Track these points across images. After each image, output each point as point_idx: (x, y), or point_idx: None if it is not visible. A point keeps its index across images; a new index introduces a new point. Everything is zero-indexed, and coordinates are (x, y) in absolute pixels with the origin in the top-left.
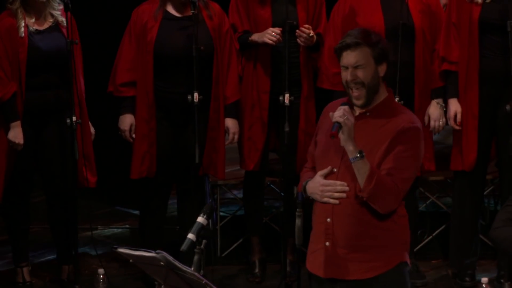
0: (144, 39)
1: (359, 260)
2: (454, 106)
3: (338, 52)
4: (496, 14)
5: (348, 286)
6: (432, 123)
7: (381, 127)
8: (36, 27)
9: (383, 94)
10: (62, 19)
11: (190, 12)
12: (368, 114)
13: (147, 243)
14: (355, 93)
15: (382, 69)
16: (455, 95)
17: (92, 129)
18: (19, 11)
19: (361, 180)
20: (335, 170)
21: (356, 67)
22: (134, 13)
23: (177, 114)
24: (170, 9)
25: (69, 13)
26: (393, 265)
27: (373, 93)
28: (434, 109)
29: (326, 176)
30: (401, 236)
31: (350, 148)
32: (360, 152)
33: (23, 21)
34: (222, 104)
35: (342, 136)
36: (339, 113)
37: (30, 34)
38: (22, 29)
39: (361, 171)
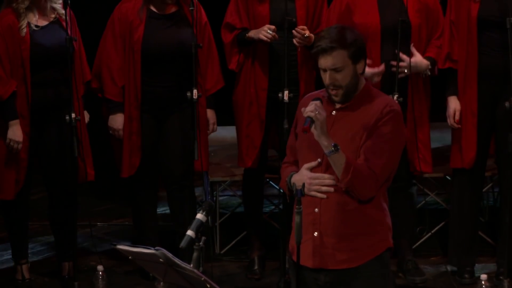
0: (130, 38)
1: (347, 249)
2: (454, 104)
3: (315, 56)
4: (494, 11)
5: (334, 274)
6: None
7: (361, 114)
8: (37, 23)
9: (361, 85)
10: (63, 12)
11: (173, 10)
12: (347, 106)
13: (143, 237)
14: (333, 91)
15: (361, 67)
16: (455, 93)
17: (87, 116)
18: (23, 9)
19: (338, 172)
20: (319, 160)
21: (334, 70)
22: (117, 11)
23: (162, 107)
24: (153, 8)
25: (68, 9)
26: (380, 251)
27: (352, 92)
28: (420, 58)
29: (312, 169)
30: (385, 221)
31: (324, 143)
32: (335, 146)
33: (24, 20)
34: (204, 98)
35: (315, 131)
36: (311, 108)
37: (32, 31)
38: (24, 27)
39: (337, 163)
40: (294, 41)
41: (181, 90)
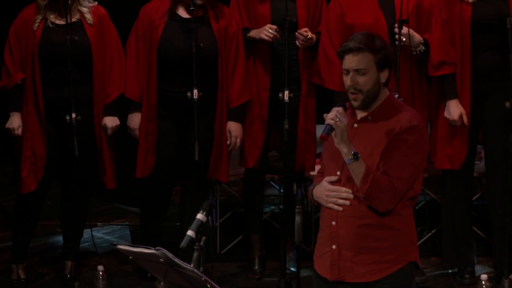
0: (150, 38)
1: (365, 262)
2: (457, 108)
3: (341, 56)
4: (488, 14)
5: (353, 286)
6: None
7: (381, 128)
8: (57, 21)
9: (383, 95)
10: (89, 16)
11: (202, 13)
12: (369, 118)
13: (148, 241)
14: (352, 96)
15: (384, 76)
16: (455, 96)
17: (115, 121)
18: (43, 5)
19: (357, 180)
20: (338, 173)
21: (357, 72)
22: (142, 11)
23: (181, 113)
24: (181, 10)
25: (102, 10)
26: (400, 266)
27: (371, 99)
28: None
29: (333, 182)
30: (407, 236)
31: (344, 150)
32: (355, 154)
33: (41, 15)
34: (225, 108)
35: (335, 138)
36: (331, 115)
37: (46, 27)
38: (38, 23)
39: (356, 172)
40: (297, 43)
41: (202, 97)
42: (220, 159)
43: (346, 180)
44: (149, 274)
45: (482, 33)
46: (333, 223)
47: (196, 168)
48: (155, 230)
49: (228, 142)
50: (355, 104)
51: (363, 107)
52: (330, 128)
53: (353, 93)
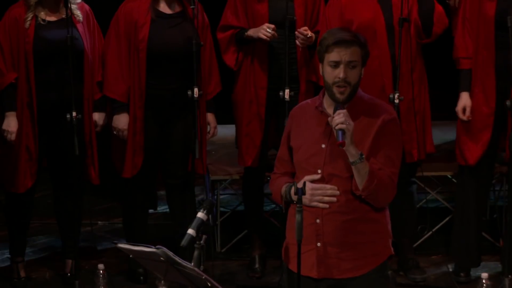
0: (135, 38)
1: (351, 258)
2: (464, 100)
3: (330, 48)
4: (508, 12)
5: (335, 282)
6: None
7: (361, 123)
8: (47, 18)
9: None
10: (78, 13)
11: (180, 8)
12: None
13: (133, 238)
14: (340, 89)
15: (363, 71)
16: (468, 89)
17: (102, 118)
18: (33, 2)
19: (361, 180)
20: (319, 171)
21: (348, 64)
22: (122, 10)
23: (166, 110)
24: (162, 6)
25: (85, 7)
26: (384, 259)
27: (353, 94)
28: None
29: (315, 181)
30: (386, 229)
31: (352, 152)
32: (361, 155)
33: (32, 12)
34: (204, 100)
35: (345, 140)
36: (341, 119)
37: (38, 25)
38: (29, 20)
39: (362, 172)
40: (297, 42)
41: (187, 93)
42: (201, 153)
43: (328, 178)
44: (141, 278)
45: (504, 31)
46: (318, 220)
47: (192, 165)
48: (141, 226)
49: (208, 131)
50: (342, 97)
51: (348, 100)
52: (343, 132)
53: (342, 86)
